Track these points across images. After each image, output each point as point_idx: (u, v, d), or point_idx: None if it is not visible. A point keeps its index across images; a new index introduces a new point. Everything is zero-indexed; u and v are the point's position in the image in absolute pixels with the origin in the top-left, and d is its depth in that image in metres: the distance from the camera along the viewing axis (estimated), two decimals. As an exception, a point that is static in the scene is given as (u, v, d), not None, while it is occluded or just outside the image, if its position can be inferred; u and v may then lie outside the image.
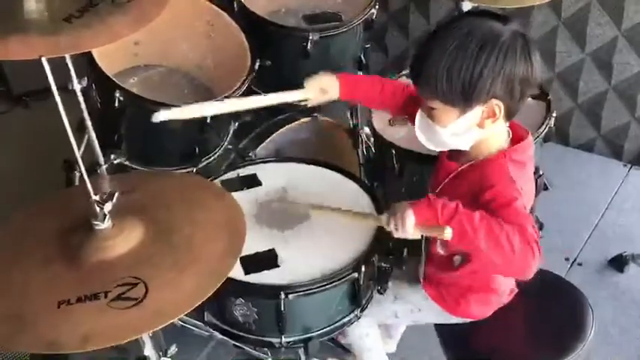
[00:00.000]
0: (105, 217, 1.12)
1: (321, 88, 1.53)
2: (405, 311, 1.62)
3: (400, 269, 1.64)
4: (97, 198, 1.09)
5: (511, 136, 1.35)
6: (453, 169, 1.37)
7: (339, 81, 1.54)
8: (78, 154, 1.05)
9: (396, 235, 1.27)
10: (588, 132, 2.70)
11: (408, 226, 1.23)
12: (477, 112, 1.26)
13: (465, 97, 1.23)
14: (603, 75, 2.56)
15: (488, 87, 1.22)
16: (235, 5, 1.84)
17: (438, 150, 1.40)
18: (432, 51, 1.24)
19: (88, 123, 1.37)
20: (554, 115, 1.79)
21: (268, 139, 2.00)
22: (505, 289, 1.54)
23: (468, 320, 1.56)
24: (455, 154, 1.38)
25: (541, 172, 1.72)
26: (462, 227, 1.19)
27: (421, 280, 1.56)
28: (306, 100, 1.54)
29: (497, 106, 1.25)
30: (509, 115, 1.29)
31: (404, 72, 2.05)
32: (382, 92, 1.57)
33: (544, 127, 1.75)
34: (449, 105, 1.26)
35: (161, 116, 1.36)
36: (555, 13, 2.52)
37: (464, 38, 1.21)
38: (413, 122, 1.41)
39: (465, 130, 1.29)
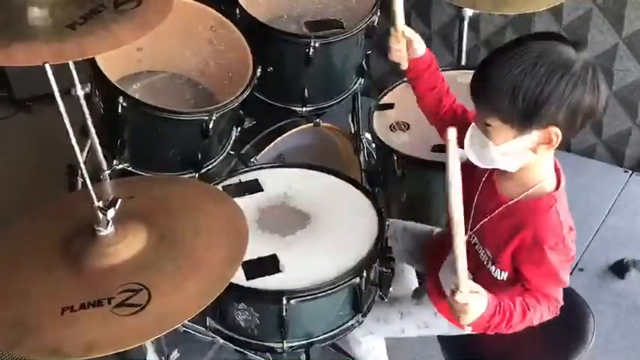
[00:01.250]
0: (108, 224, 1.12)
1: (412, 38, 1.51)
2: (412, 327, 1.62)
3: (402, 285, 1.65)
4: (100, 204, 1.10)
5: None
6: (504, 202, 1.35)
7: (428, 53, 1.53)
8: (81, 160, 1.05)
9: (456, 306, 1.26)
10: (589, 138, 2.70)
11: (466, 320, 1.26)
12: (534, 136, 1.24)
13: (525, 120, 1.21)
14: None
15: (552, 113, 1.20)
16: (238, 12, 1.84)
17: (483, 167, 1.36)
18: (499, 68, 1.21)
19: (91, 129, 1.37)
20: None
21: (270, 145, 2.00)
22: None
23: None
24: (505, 181, 1.36)
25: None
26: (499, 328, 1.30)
27: (448, 293, 1.53)
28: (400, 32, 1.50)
29: (556, 134, 1.22)
30: (562, 143, 1.26)
31: (405, 78, 2.06)
32: (442, 87, 1.55)
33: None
34: (507, 124, 1.23)
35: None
36: (556, 19, 2.53)
37: (534, 60, 1.18)
38: (441, 134, 1.42)
39: (518, 152, 1.27)
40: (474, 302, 1.24)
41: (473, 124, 1.32)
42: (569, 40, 1.23)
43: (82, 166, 1.07)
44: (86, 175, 1.07)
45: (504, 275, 1.38)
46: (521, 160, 1.29)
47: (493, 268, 1.39)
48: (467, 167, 1.42)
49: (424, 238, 1.75)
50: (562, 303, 1.37)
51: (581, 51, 1.21)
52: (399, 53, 1.52)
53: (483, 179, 1.42)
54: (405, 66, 1.55)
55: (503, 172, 1.34)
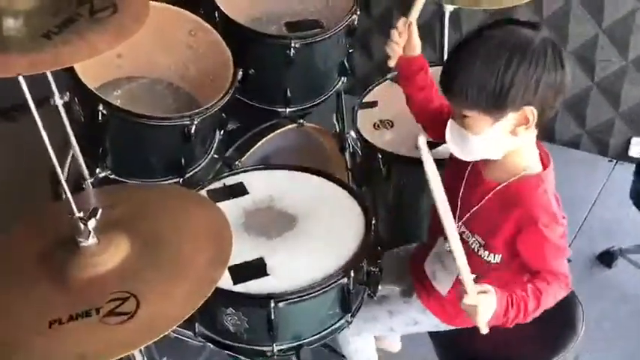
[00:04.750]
0: (89, 234, 1.11)
1: (416, 37, 1.52)
2: (401, 325, 1.63)
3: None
4: (80, 215, 1.09)
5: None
6: (492, 187, 1.36)
7: (421, 59, 1.55)
8: (60, 172, 1.04)
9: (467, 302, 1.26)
10: (573, 129, 2.72)
11: (480, 321, 1.26)
12: (510, 119, 1.26)
13: (497, 105, 1.24)
14: (586, 72, 2.58)
15: (521, 94, 1.22)
16: (216, 14, 1.83)
17: (469, 159, 1.38)
18: (463, 60, 1.25)
19: (72, 138, 1.36)
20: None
21: (254, 147, 2.00)
22: None
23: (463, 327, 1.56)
24: (490, 169, 1.38)
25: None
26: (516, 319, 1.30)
27: (444, 294, 1.53)
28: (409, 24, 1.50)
29: (531, 112, 1.25)
30: (539, 123, 1.29)
31: (389, 75, 2.07)
32: (431, 88, 1.57)
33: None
34: (482, 113, 1.26)
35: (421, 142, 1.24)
36: (536, 12, 2.54)
37: (495, 47, 1.22)
38: (428, 133, 1.46)
39: (499, 137, 1.28)
40: (483, 302, 1.24)
41: (450, 119, 1.34)
42: (526, 22, 1.27)
43: (62, 178, 1.06)
44: (66, 187, 1.06)
45: (498, 258, 1.39)
46: (503, 145, 1.30)
47: (486, 253, 1.39)
48: (450, 161, 1.43)
49: (405, 254, 1.75)
50: (569, 275, 1.35)
51: (538, 30, 1.24)
52: (396, 46, 1.52)
53: (467, 171, 1.43)
54: (393, 63, 1.56)
55: (487, 160, 1.35)
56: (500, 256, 1.38)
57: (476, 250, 1.41)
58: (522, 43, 1.21)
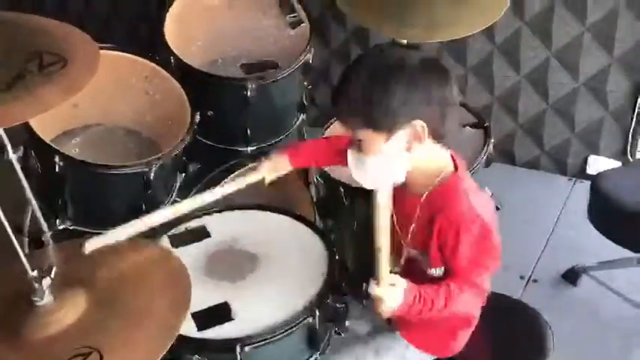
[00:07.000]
0: (44, 293, 1.10)
1: (274, 166, 1.59)
2: None
3: (362, 307, 1.64)
4: (34, 274, 1.08)
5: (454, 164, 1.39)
6: (416, 202, 1.39)
7: (288, 154, 1.61)
8: (10, 232, 1.03)
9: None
10: (532, 150, 2.78)
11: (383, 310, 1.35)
12: (402, 135, 1.30)
13: (385, 122, 1.29)
14: (540, 95, 2.65)
15: (405, 110, 1.27)
16: (172, 60, 1.85)
17: (381, 189, 1.36)
18: (347, 85, 1.31)
19: (28, 192, 1.35)
20: (492, 141, 1.85)
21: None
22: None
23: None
24: (410, 186, 1.40)
25: (490, 193, 1.77)
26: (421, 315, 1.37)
27: (398, 332, 1.55)
28: (263, 180, 1.59)
29: (421, 126, 1.29)
30: (436, 136, 1.33)
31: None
32: (327, 150, 1.62)
33: (483, 153, 1.81)
34: (374, 132, 1.30)
35: (91, 246, 1.27)
36: (489, 39, 2.61)
37: (374, 68, 1.29)
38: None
39: (395, 154, 1.32)
40: (389, 294, 1.33)
41: (349, 150, 1.38)
42: (408, 44, 1.37)
43: (12, 237, 1.05)
44: (18, 247, 1.05)
45: (440, 272, 1.41)
46: (402, 163, 1.34)
47: (432, 270, 1.41)
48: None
49: None
50: (488, 291, 1.41)
51: (415, 50, 1.33)
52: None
53: (394, 195, 1.43)
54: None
55: (403, 185, 1.38)
56: (442, 268, 1.40)
57: (426, 269, 1.43)
58: (403, 63, 1.28)
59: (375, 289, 1.33)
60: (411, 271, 1.46)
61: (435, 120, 1.30)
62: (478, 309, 1.49)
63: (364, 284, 1.58)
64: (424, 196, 1.38)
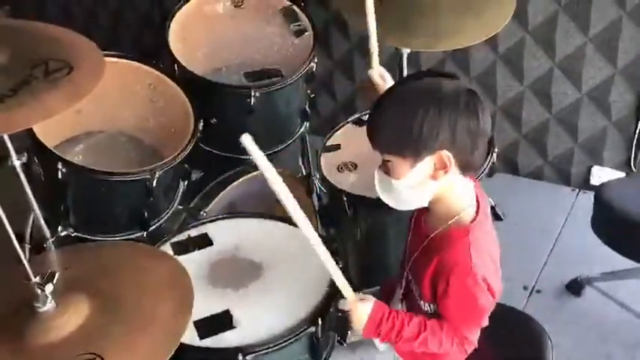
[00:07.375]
0: (47, 299, 1.10)
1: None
2: None
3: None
4: (37, 280, 1.07)
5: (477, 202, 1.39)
6: (426, 236, 1.40)
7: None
8: (14, 238, 1.03)
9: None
10: (535, 160, 2.77)
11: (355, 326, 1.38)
12: (428, 163, 1.30)
13: (413, 149, 1.29)
14: (543, 105, 2.65)
15: (433, 138, 1.27)
16: (176, 67, 1.86)
17: (402, 208, 1.42)
18: (382, 108, 1.34)
19: (31, 198, 1.35)
20: (495, 151, 1.85)
21: (220, 195, 2.00)
22: None
23: None
24: (429, 217, 1.42)
25: (494, 204, 1.76)
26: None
27: None
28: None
29: (448, 157, 1.29)
30: (464, 167, 1.33)
31: (350, 119, 2.10)
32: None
33: (486, 163, 1.81)
34: (400, 157, 1.31)
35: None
36: (492, 49, 2.61)
37: (410, 94, 1.31)
38: None
39: (420, 181, 1.33)
40: (358, 308, 1.37)
41: (376, 170, 1.39)
42: (444, 72, 1.37)
43: (15, 242, 1.05)
44: (21, 253, 1.05)
45: (431, 308, 1.41)
46: (427, 189, 1.34)
47: (422, 302, 1.42)
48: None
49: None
50: (474, 345, 1.40)
51: (452, 79, 1.33)
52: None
53: (413, 219, 1.48)
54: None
55: (425, 208, 1.40)
56: (434, 306, 1.40)
57: (417, 299, 1.44)
58: (435, 90, 1.29)
59: (345, 305, 1.38)
60: (409, 298, 1.49)
61: (464, 151, 1.30)
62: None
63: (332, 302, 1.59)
64: (434, 232, 1.38)
